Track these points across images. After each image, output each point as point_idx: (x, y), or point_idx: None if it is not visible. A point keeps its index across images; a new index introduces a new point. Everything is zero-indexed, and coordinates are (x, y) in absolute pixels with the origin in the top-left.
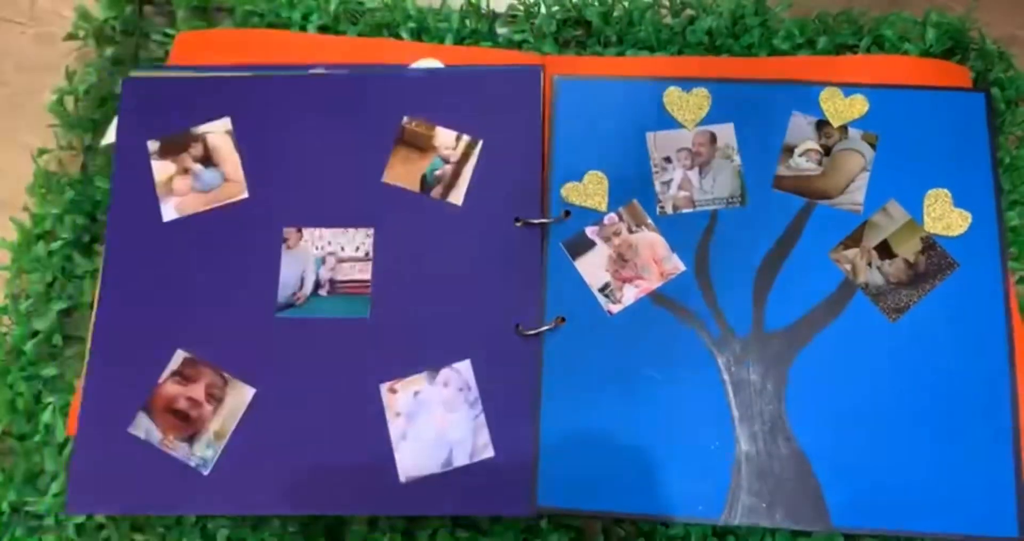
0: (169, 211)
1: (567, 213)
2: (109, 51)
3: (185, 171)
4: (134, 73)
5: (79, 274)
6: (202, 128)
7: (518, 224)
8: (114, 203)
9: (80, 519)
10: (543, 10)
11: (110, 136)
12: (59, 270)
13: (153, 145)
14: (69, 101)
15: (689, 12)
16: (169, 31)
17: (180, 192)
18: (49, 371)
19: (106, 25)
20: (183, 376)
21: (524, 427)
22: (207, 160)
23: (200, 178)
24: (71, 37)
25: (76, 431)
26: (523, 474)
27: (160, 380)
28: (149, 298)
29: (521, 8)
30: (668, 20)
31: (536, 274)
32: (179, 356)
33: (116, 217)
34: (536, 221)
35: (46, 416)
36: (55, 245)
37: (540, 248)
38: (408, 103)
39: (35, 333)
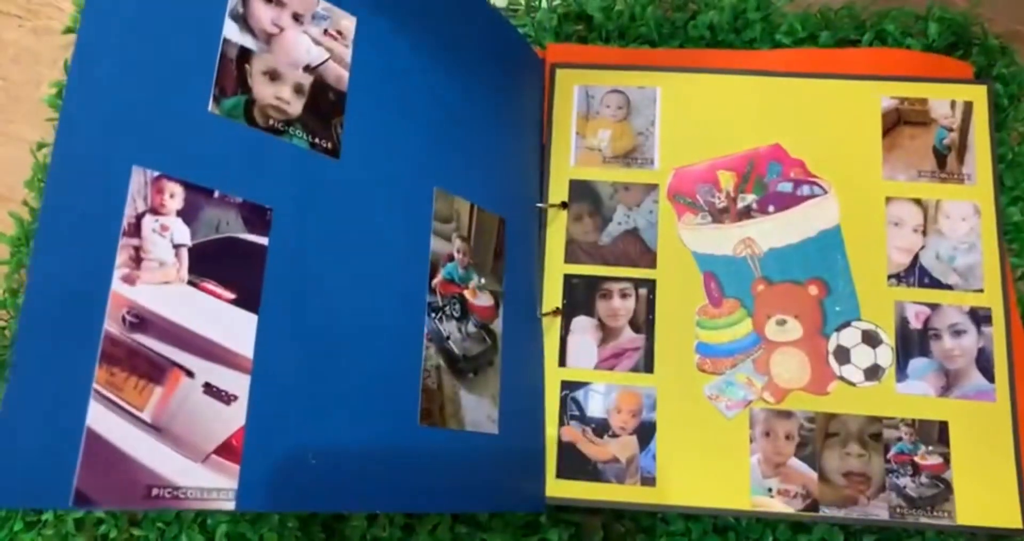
0: None
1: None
2: None
3: None
4: None
5: None
6: None
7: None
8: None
9: (79, 514)
10: (544, 4)
11: None
12: None
13: None
14: None
15: (691, 7)
16: None
17: None
18: None
19: None
20: None
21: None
22: None
23: None
24: (70, 30)
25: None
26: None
27: None
28: None
29: (522, 2)
30: (670, 15)
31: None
32: None
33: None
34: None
35: None
36: None
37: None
38: None
39: None
